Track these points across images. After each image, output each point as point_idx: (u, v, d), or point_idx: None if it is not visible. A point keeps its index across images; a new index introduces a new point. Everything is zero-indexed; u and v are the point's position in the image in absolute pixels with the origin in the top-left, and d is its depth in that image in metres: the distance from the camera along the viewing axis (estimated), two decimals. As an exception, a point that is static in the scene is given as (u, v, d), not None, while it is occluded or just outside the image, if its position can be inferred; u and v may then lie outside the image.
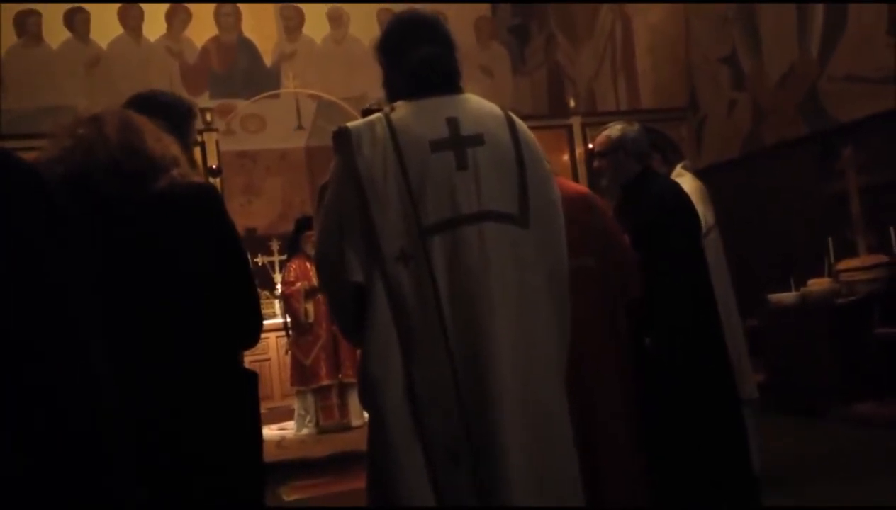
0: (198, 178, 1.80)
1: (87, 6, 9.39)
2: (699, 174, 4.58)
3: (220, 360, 1.77)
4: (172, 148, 1.75)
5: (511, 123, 1.98)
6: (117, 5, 9.54)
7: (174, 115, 2.00)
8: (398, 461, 1.77)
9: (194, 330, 1.70)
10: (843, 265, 5.68)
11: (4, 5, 8.82)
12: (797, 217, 6.46)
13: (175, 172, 1.70)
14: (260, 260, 8.81)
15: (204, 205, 1.74)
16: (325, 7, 10.29)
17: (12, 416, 0.92)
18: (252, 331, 1.87)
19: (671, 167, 4.21)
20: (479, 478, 1.76)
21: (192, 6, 9.82)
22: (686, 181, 4.02)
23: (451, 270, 1.80)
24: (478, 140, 1.89)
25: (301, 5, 10.23)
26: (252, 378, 1.90)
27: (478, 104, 1.99)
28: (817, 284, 5.69)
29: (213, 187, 1.86)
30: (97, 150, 1.65)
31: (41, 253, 0.98)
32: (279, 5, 10.20)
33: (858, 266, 5.59)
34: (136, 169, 1.66)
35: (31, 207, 0.99)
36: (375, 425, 1.83)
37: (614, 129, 3.37)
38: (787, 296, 5.78)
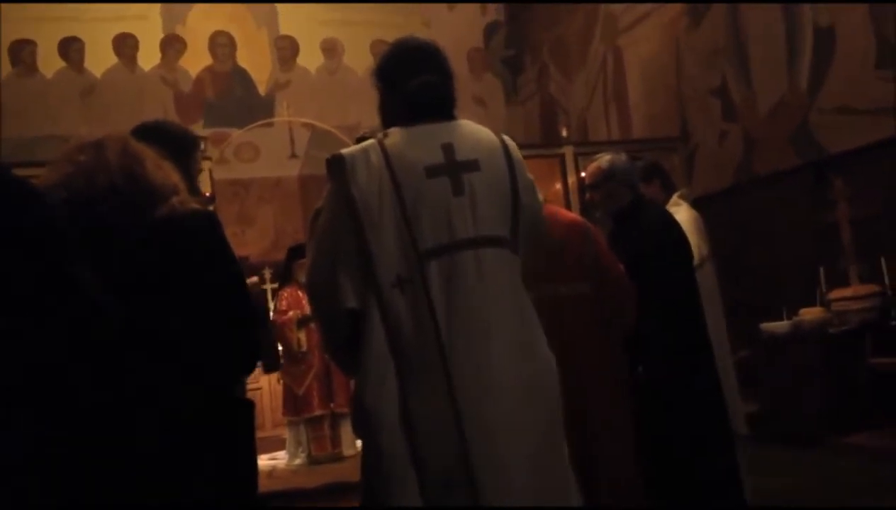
0: (198, 205, 1.81)
1: (81, 36, 9.45)
2: (692, 203, 4.60)
3: (216, 387, 1.76)
4: (173, 175, 1.75)
5: (506, 149, 1.99)
6: (112, 35, 9.60)
7: (179, 144, 2.01)
8: (393, 489, 1.76)
9: (191, 356, 1.69)
10: (834, 294, 5.70)
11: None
12: (788, 247, 6.48)
13: (175, 200, 1.70)
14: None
15: (203, 232, 1.74)
16: (319, 37, 10.38)
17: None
18: (249, 358, 1.86)
19: (669, 195, 4.22)
20: (475, 503, 1.74)
21: (186, 36, 9.89)
22: (682, 211, 4.03)
23: (448, 295, 1.80)
24: (473, 165, 1.90)
25: (295, 36, 10.31)
26: (248, 406, 1.89)
27: (472, 130, 2.00)
28: (809, 314, 5.70)
29: (212, 214, 1.85)
30: (98, 176, 1.65)
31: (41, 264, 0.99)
32: (274, 36, 10.28)
33: (850, 295, 5.61)
34: (137, 195, 1.67)
35: (34, 224, 1.00)
36: (369, 453, 1.82)
37: (603, 160, 3.40)
38: (780, 326, 5.78)
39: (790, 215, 6.49)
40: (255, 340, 1.87)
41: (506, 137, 2.03)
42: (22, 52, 9.26)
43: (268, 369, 6.37)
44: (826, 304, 5.73)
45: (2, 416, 0.94)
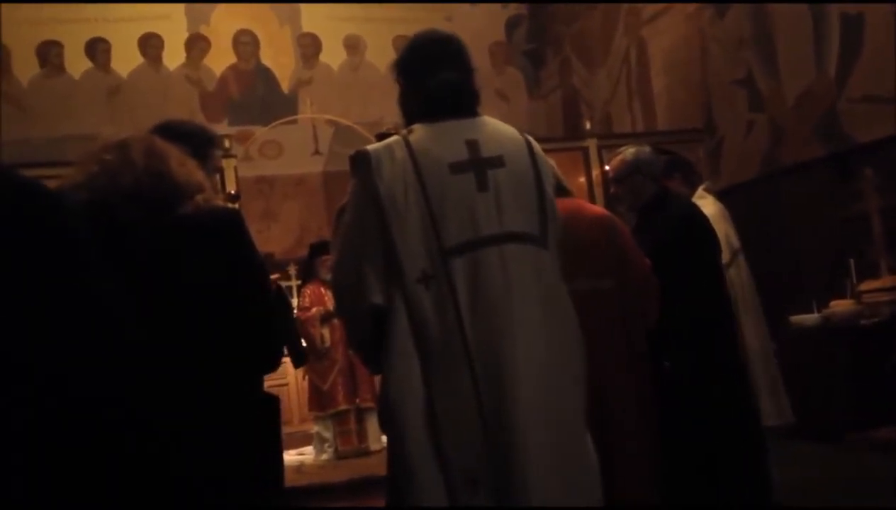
0: (222, 203, 1.81)
1: (107, 36, 9.55)
2: (717, 195, 4.55)
3: (240, 385, 1.77)
4: (197, 174, 1.77)
5: (529, 146, 1.99)
6: (137, 35, 9.69)
7: (197, 142, 2.02)
8: (418, 484, 1.76)
9: (216, 354, 1.70)
10: (865, 286, 5.62)
11: (27, 37, 8.97)
12: (817, 238, 6.40)
13: (199, 198, 1.71)
14: (278, 285, 8.79)
15: (227, 230, 1.75)
16: (341, 34, 10.41)
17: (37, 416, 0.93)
18: (273, 356, 1.87)
19: (693, 188, 4.18)
20: (500, 500, 1.74)
21: (210, 36, 9.96)
22: (708, 204, 3.99)
23: (473, 292, 1.80)
24: (498, 162, 1.90)
25: (318, 33, 10.35)
26: (273, 402, 1.90)
27: (496, 127, 2.00)
28: (840, 306, 5.62)
29: (236, 212, 1.86)
30: (122, 175, 1.66)
31: (63, 274, 0.99)
32: (296, 34, 10.33)
33: (881, 287, 5.52)
34: (161, 194, 1.68)
35: (55, 232, 1.00)
36: (395, 449, 1.82)
37: (627, 153, 3.37)
38: (810, 318, 5.70)
39: (818, 206, 6.40)
40: (278, 338, 1.88)
41: (528, 135, 2.04)
42: (49, 54, 9.37)
43: (297, 363, 6.41)
44: (856, 296, 5.65)
45: (18, 423, 0.95)
